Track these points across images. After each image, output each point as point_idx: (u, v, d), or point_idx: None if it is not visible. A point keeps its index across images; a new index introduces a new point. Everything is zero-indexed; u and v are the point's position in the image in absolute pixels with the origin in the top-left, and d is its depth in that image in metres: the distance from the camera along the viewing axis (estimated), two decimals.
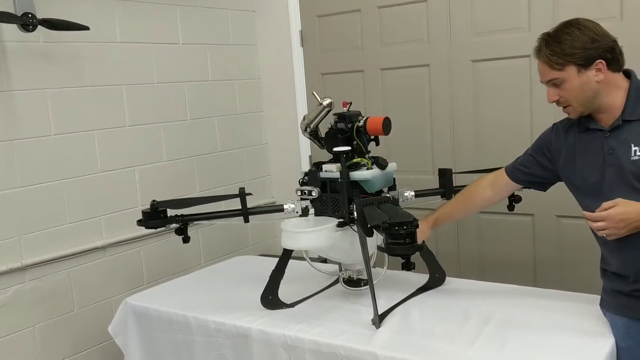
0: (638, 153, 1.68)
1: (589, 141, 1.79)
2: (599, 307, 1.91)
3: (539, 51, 1.75)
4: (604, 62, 1.69)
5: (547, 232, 2.93)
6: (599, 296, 1.92)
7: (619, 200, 1.63)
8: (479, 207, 2.19)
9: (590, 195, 1.78)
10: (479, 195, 2.12)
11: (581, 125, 1.82)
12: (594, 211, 1.66)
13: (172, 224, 2.31)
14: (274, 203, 3.58)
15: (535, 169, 1.98)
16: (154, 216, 2.28)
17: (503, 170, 2.08)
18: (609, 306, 1.86)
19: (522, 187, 2.11)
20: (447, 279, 2.35)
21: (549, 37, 1.73)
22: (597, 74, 1.69)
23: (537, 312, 1.99)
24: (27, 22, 2.43)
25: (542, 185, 2.03)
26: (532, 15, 2.81)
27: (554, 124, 1.96)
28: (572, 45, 1.68)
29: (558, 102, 1.78)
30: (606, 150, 1.74)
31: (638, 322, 1.76)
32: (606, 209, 1.63)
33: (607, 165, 1.74)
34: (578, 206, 1.87)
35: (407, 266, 1.84)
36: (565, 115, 1.86)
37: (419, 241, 1.80)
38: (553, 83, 1.74)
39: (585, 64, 1.68)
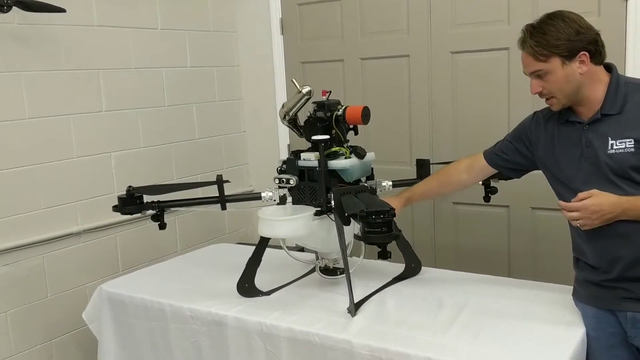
0: (615, 147, 1.70)
1: (568, 133, 1.81)
2: (571, 297, 1.94)
3: (523, 42, 1.75)
4: (587, 54, 1.70)
5: (522, 223, 2.96)
6: (572, 287, 1.95)
7: (594, 191, 1.66)
8: (453, 189, 2.22)
9: (567, 186, 1.80)
10: (454, 178, 2.15)
11: (561, 116, 1.84)
12: (569, 201, 1.69)
13: (148, 210, 2.29)
14: (252, 191, 3.57)
15: (514, 156, 2.00)
16: (130, 202, 2.26)
17: (481, 154, 2.10)
18: (581, 296, 1.89)
19: (497, 174, 2.15)
20: (423, 268, 2.37)
21: (534, 29, 1.73)
22: (580, 66, 1.71)
23: (511, 302, 2.01)
24: (2, 3, 2.38)
25: (518, 172, 2.05)
26: (512, 8, 2.83)
27: (535, 112, 1.97)
28: (557, 36, 1.69)
29: (541, 94, 1.78)
30: (584, 142, 1.76)
31: (607, 312, 1.80)
32: (582, 199, 1.65)
33: (584, 158, 1.76)
34: (553, 198, 1.89)
35: (384, 255, 1.85)
36: (545, 104, 1.87)
37: None
38: (537, 74, 1.74)
39: (569, 55, 1.69)
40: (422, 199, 2.29)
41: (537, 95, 1.81)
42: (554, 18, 1.72)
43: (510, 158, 2.01)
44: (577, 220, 1.67)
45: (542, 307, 1.96)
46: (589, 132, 1.75)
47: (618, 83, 1.74)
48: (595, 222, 1.66)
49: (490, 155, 2.07)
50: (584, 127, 1.77)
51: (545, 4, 2.67)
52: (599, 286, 1.80)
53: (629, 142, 1.68)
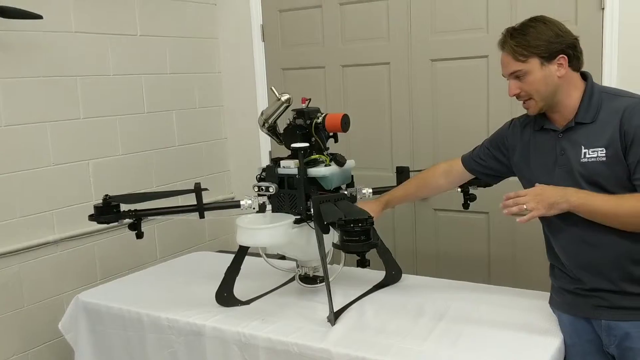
0: (587, 155, 1.71)
1: (543, 140, 1.82)
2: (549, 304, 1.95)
3: (503, 43, 1.76)
4: (566, 57, 1.72)
5: (502, 230, 2.97)
6: (550, 294, 1.96)
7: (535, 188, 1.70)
8: (430, 194, 2.25)
9: None
10: (432, 183, 2.16)
11: (537, 123, 1.85)
12: None
13: (125, 219, 2.26)
14: (233, 198, 3.55)
15: (491, 162, 2.01)
16: (106, 211, 2.23)
17: (459, 159, 2.11)
18: (557, 304, 1.90)
19: (475, 180, 2.17)
20: (404, 275, 2.37)
21: (515, 30, 1.75)
22: (558, 69, 1.72)
23: (490, 309, 2.02)
24: None
25: (495, 178, 2.07)
26: (491, 17, 2.85)
27: (512, 120, 1.99)
28: (537, 37, 1.70)
29: (519, 96, 1.78)
30: (558, 150, 1.77)
31: (582, 320, 1.81)
32: None
33: (558, 166, 1.77)
34: None
35: (362, 263, 1.84)
36: (523, 112, 1.88)
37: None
38: (515, 75, 1.75)
39: (548, 57, 1.71)
40: (400, 203, 2.30)
41: (515, 101, 1.82)
42: (535, 21, 1.74)
43: (487, 164, 2.02)
44: (524, 205, 1.65)
45: (520, 314, 1.96)
46: (564, 140, 1.77)
47: (593, 91, 1.75)
48: (540, 206, 1.63)
49: (468, 161, 2.08)
50: (559, 135, 1.78)
51: (524, 12, 2.68)
52: (574, 294, 1.81)
53: (600, 151, 1.69)
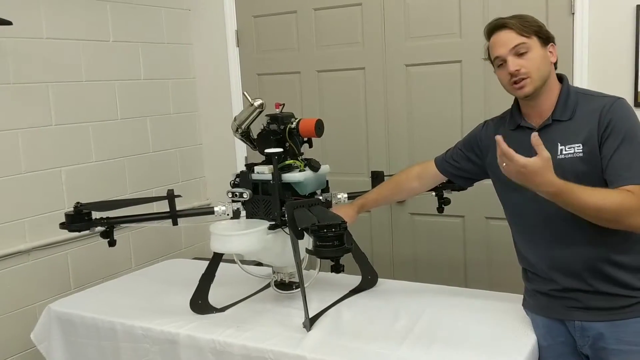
0: (564, 152, 1.72)
1: (519, 138, 1.81)
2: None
3: (503, 23, 1.76)
4: (555, 47, 1.77)
5: (477, 233, 2.99)
6: (523, 296, 1.97)
7: (548, 157, 1.55)
8: (404, 196, 2.25)
9: (517, 191, 1.80)
10: (405, 186, 2.16)
11: (512, 122, 1.86)
12: (518, 205, 1.73)
13: (97, 227, 2.23)
14: (209, 205, 3.51)
15: (464, 164, 2.02)
16: (78, 219, 2.20)
17: (432, 161, 2.12)
18: (530, 306, 1.91)
19: (450, 184, 2.19)
20: (380, 280, 2.36)
21: (511, 16, 1.77)
22: (551, 55, 1.76)
23: (465, 312, 2.03)
24: None
25: (468, 180, 2.07)
26: (464, 23, 2.87)
27: (485, 121, 2.00)
28: (535, 20, 1.76)
29: (517, 74, 1.73)
30: (534, 149, 1.77)
31: (556, 322, 1.82)
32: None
33: None
34: None
35: (337, 268, 1.83)
36: (495, 114, 1.89)
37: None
38: (516, 52, 1.73)
39: (544, 40, 1.75)
40: (375, 206, 2.30)
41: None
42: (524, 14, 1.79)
43: (460, 165, 2.03)
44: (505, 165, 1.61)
45: (495, 317, 1.97)
46: (540, 137, 1.77)
47: (569, 91, 1.78)
48: (516, 177, 1.59)
49: (441, 163, 2.09)
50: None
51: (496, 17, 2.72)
52: (548, 296, 1.82)
53: (577, 147, 1.70)
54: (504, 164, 1.59)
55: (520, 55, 1.73)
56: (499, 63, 1.77)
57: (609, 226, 1.63)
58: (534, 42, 1.73)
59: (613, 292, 1.72)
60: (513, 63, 1.73)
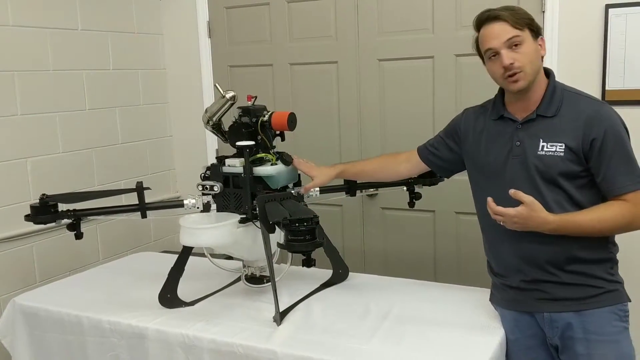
0: (545, 149, 1.73)
1: (500, 129, 1.83)
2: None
3: (496, 15, 1.73)
4: (544, 40, 1.77)
5: (447, 228, 3.02)
6: (490, 290, 2.00)
7: (531, 200, 1.64)
8: (387, 177, 2.23)
9: (491, 179, 1.83)
10: (393, 167, 2.18)
11: (495, 112, 1.86)
12: (491, 194, 1.72)
13: (63, 219, 2.19)
14: (178, 198, 3.48)
15: (443, 152, 2.04)
16: (43, 211, 2.15)
17: (415, 150, 2.14)
18: (498, 300, 1.94)
19: (426, 178, 2.24)
20: (351, 274, 2.37)
21: (501, 7, 1.76)
22: (540, 49, 1.76)
23: (434, 306, 2.05)
24: None
25: (447, 170, 2.10)
26: (436, 18, 2.88)
27: (465, 109, 2.02)
28: (526, 13, 1.76)
29: (512, 67, 1.71)
30: (515, 140, 1.78)
31: (524, 314, 1.84)
32: (514, 208, 1.66)
33: (512, 155, 1.78)
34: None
35: (308, 263, 1.83)
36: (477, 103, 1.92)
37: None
38: (511, 43, 1.72)
39: (535, 33, 1.75)
40: (355, 178, 2.27)
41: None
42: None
43: (440, 153, 2.05)
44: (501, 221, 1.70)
45: (464, 310, 1.99)
46: (522, 131, 1.78)
47: (555, 87, 1.78)
48: (515, 227, 1.69)
49: (423, 150, 2.11)
50: (518, 126, 1.79)
51: (469, 14, 2.71)
52: (517, 289, 1.84)
53: (559, 146, 1.71)
54: (502, 222, 1.69)
55: (513, 48, 1.72)
56: (490, 55, 1.75)
57: (619, 233, 1.75)
58: (526, 35, 1.73)
59: (580, 282, 1.75)
60: (507, 56, 1.71)
